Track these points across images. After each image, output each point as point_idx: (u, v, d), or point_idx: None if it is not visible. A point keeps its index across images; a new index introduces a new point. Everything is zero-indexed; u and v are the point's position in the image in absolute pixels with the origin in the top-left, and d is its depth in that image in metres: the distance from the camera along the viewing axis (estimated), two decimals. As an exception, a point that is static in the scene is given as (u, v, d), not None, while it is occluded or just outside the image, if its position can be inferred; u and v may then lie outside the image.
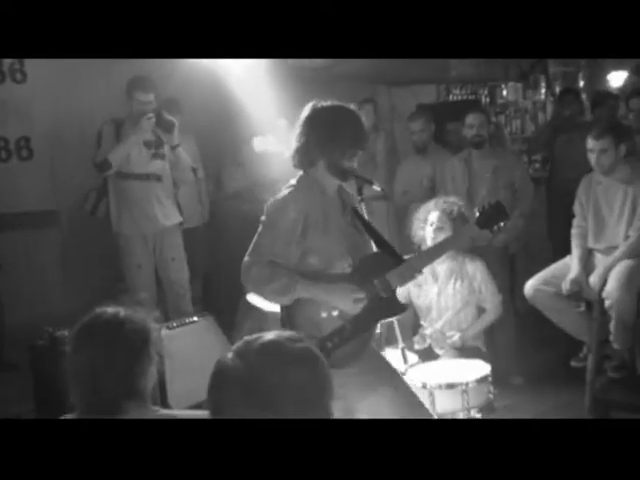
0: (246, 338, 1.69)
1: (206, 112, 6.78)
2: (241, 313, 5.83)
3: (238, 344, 1.68)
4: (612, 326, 5.02)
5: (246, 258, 3.37)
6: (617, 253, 5.09)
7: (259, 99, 6.12)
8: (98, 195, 5.87)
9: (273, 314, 4.80)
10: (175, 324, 5.11)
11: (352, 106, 3.49)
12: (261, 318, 5.13)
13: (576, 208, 5.45)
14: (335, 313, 3.41)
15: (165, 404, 4.48)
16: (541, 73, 9.89)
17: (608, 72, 9.55)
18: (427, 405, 3.96)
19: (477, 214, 3.65)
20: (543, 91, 10.26)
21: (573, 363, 5.75)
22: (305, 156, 3.43)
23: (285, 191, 3.45)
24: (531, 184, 6.16)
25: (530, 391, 5.53)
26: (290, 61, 5.95)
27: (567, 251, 5.46)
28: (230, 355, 1.64)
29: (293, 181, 3.49)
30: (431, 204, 5.00)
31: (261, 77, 5.92)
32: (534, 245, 7.03)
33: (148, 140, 5.76)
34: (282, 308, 3.43)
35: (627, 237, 5.13)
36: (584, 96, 9.29)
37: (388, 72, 7.01)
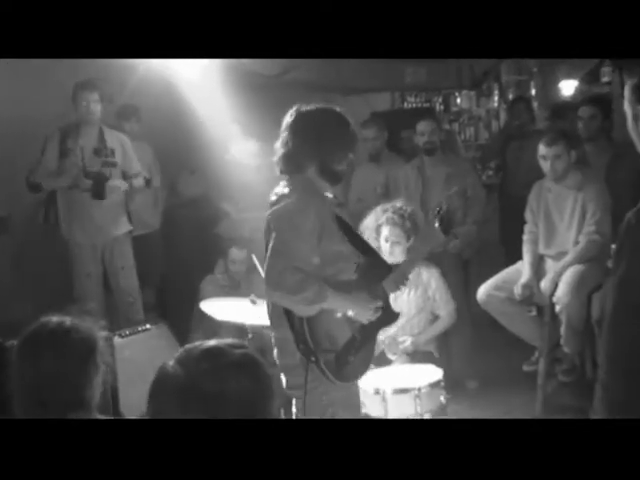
0: (188, 345, 1.69)
1: (162, 119, 6.75)
2: (195, 321, 5.81)
3: (180, 351, 1.68)
4: (562, 330, 5.09)
5: (273, 266, 3.21)
6: (567, 258, 5.16)
7: (212, 105, 6.10)
8: (46, 204, 5.82)
9: (226, 323, 4.80)
10: (127, 332, 5.06)
11: (338, 108, 3.46)
12: (214, 326, 5.11)
13: (527, 214, 5.52)
14: (350, 313, 3.39)
15: (117, 412, 4.44)
16: (494, 81, 10.01)
17: (559, 81, 9.69)
18: (380, 410, 3.99)
19: (437, 223, 3.66)
20: (496, 99, 10.39)
21: (525, 367, 5.81)
22: (294, 162, 3.36)
23: (292, 194, 3.33)
24: (483, 191, 6.22)
25: (484, 395, 5.58)
26: (244, 67, 5.94)
27: (520, 256, 5.52)
28: (171, 362, 1.64)
29: (286, 187, 3.38)
30: (379, 213, 4.94)
31: (214, 83, 5.90)
32: (488, 251, 7.09)
33: (97, 148, 5.71)
34: (301, 319, 3.24)
35: (577, 243, 5.21)
36: (536, 104, 9.43)
37: (342, 80, 7.03)
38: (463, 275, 6.15)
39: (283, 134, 3.39)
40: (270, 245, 3.26)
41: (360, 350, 3.40)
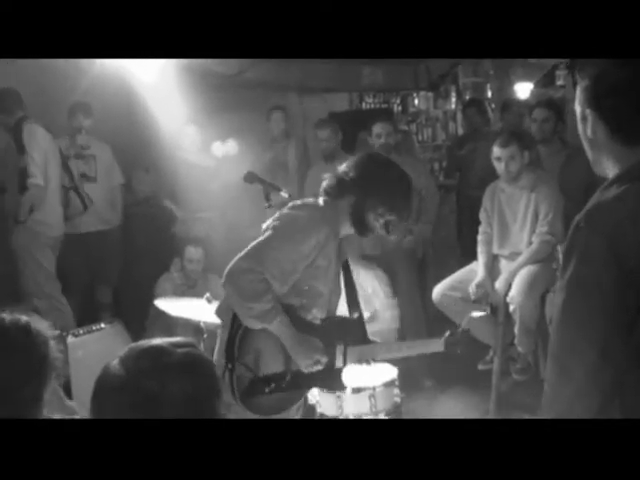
0: (132, 344, 1.68)
1: (117, 117, 6.70)
2: (150, 320, 5.77)
3: (124, 350, 1.67)
4: (516, 330, 5.15)
5: (242, 261, 3.07)
6: (520, 259, 5.23)
7: (168, 104, 6.07)
8: None
9: (182, 321, 4.78)
10: (81, 331, 5.01)
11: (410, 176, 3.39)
12: (170, 325, 5.08)
13: (481, 215, 5.57)
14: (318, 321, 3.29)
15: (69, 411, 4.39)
16: (451, 83, 10.09)
17: (514, 83, 9.80)
18: (334, 409, 3.99)
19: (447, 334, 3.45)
20: (453, 100, 10.47)
21: (480, 366, 5.85)
22: (339, 189, 3.27)
23: (312, 211, 3.23)
24: (436, 192, 6.24)
25: (439, 393, 5.62)
26: (200, 67, 5.91)
27: (475, 257, 5.58)
28: (115, 361, 1.63)
29: (317, 203, 3.29)
30: None
31: (171, 82, 5.86)
32: (444, 251, 7.15)
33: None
34: (240, 324, 3.13)
35: (530, 243, 5.27)
36: (493, 106, 9.53)
37: (299, 80, 7.04)
38: (417, 274, 6.18)
39: (350, 166, 3.32)
40: (258, 239, 3.14)
41: (284, 391, 3.22)
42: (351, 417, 3.99)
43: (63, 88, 5.84)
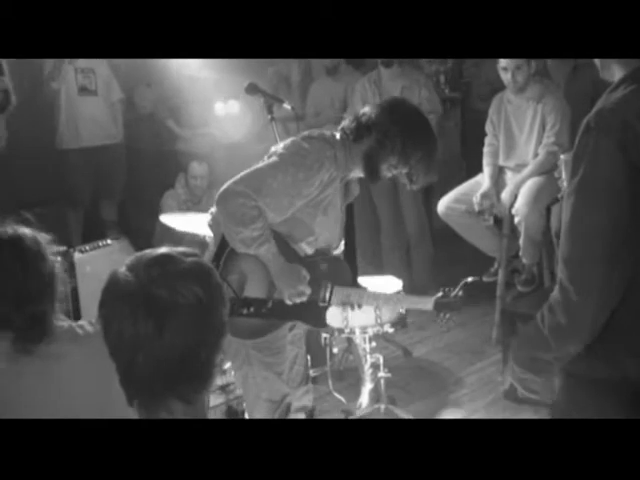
0: (139, 253, 1.68)
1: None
2: (156, 236, 5.79)
3: (131, 258, 1.67)
4: (521, 241, 5.17)
5: (237, 184, 2.97)
6: (526, 170, 5.21)
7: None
8: None
9: (189, 234, 4.79)
10: (87, 247, 5.03)
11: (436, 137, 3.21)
12: (176, 241, 5.10)
13: (488, 127, 5.52)
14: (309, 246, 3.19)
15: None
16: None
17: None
18: (340, 321, 4.01)
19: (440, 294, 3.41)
20: (460, 11, 10.27)
21: (485, 278, 5.87)
22: (362, 133, 3.11)
23: (324, 146, 3.07)
24: (439, 104, 6.11)
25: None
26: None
27: (480, 171, 5.55)
28: (122, 269, 1.63)
29: (333, 138, 3.14)
30: None
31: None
32: (449, 165, 7.11)
33: None
34: (227, 245, 3.09)
35: (536, 155, 5.24)
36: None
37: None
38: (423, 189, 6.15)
39: (373, 108, 3.16)
40: (260, 164, 3.06)
41: (262, 318, 3.08)
42: (357, 329, 4.03)
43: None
